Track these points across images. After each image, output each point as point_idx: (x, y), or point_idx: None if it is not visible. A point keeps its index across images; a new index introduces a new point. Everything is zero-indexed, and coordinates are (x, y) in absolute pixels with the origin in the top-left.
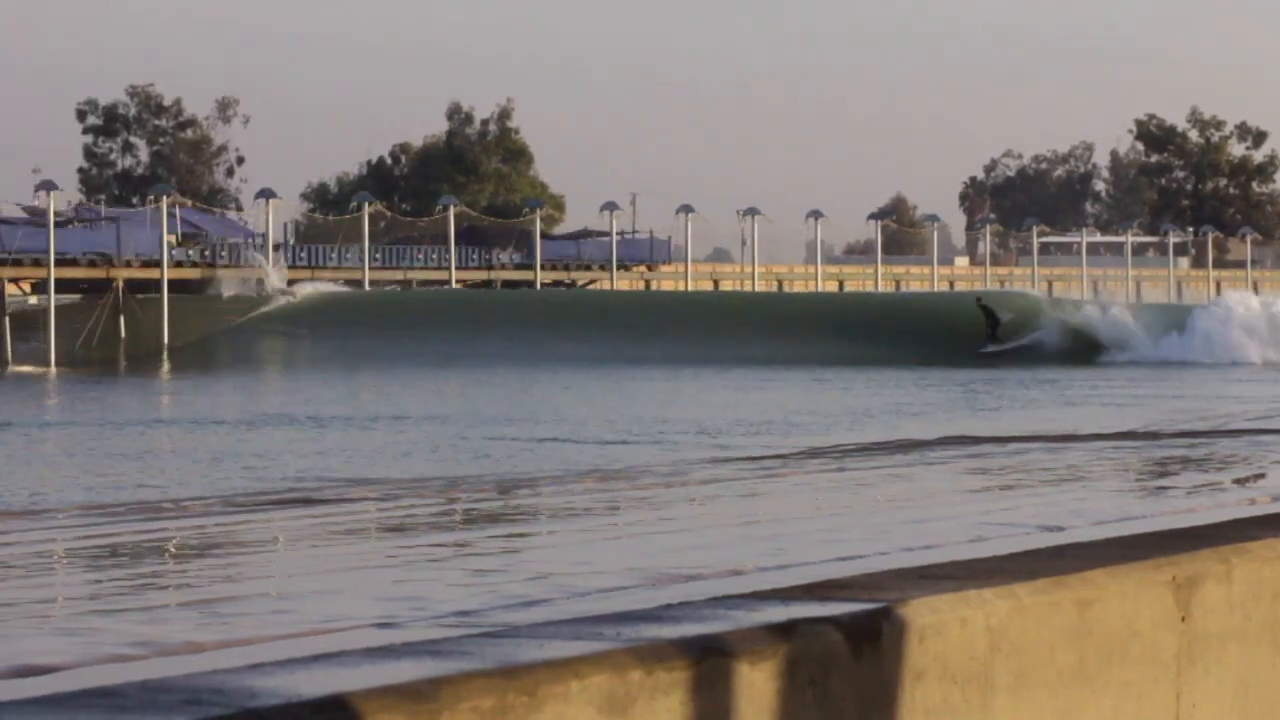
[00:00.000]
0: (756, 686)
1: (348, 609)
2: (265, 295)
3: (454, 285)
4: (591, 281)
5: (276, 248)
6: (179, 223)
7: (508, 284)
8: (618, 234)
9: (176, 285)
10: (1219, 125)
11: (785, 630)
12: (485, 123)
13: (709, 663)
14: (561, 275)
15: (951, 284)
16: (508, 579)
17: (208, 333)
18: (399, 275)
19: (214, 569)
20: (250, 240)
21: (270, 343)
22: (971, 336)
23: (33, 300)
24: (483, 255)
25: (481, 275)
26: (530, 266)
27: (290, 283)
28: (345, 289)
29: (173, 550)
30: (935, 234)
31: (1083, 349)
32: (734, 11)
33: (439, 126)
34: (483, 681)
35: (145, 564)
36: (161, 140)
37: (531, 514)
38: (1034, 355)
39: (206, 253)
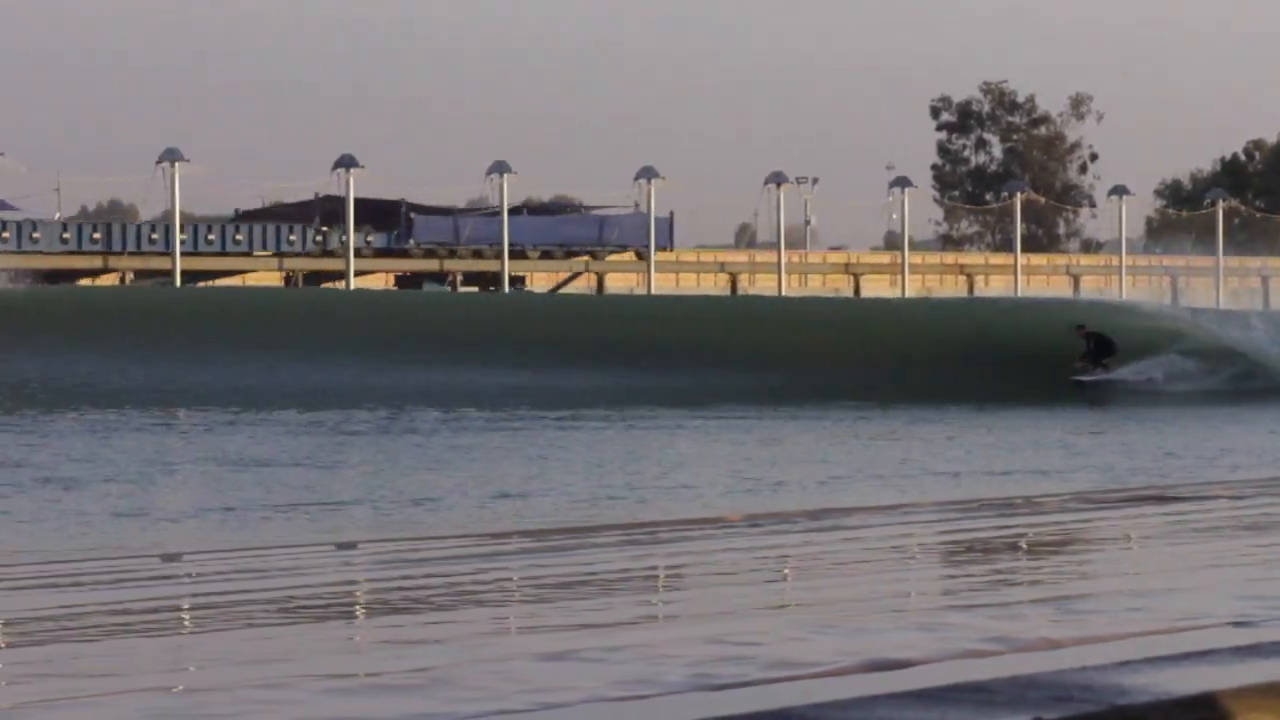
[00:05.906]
0: None
1: (1203, 607)
2: None
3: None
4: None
5: None
6: None
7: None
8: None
9: None
10: None
11: None
12: None
13: None
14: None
15: None
16: None
17: None
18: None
19: (1067, 565)
20: None
21: None
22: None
23: None
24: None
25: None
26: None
27: None
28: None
29: (1026, 546)
30: None
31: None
32: None
33: None
34: None
35: (999, 560)
36: (1014, 137)
37: None
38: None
39: None
